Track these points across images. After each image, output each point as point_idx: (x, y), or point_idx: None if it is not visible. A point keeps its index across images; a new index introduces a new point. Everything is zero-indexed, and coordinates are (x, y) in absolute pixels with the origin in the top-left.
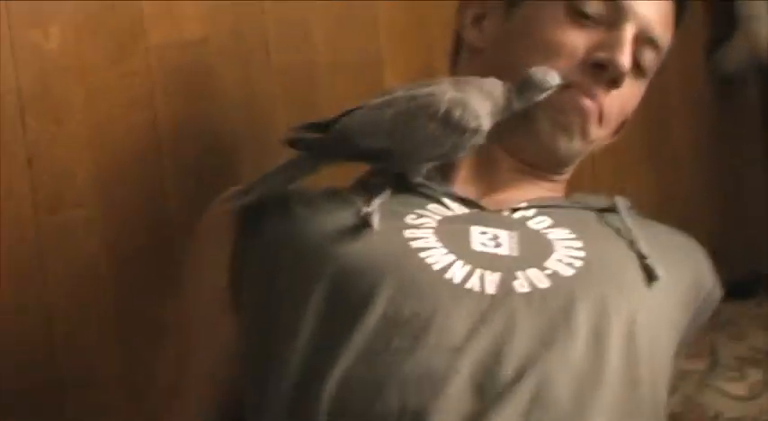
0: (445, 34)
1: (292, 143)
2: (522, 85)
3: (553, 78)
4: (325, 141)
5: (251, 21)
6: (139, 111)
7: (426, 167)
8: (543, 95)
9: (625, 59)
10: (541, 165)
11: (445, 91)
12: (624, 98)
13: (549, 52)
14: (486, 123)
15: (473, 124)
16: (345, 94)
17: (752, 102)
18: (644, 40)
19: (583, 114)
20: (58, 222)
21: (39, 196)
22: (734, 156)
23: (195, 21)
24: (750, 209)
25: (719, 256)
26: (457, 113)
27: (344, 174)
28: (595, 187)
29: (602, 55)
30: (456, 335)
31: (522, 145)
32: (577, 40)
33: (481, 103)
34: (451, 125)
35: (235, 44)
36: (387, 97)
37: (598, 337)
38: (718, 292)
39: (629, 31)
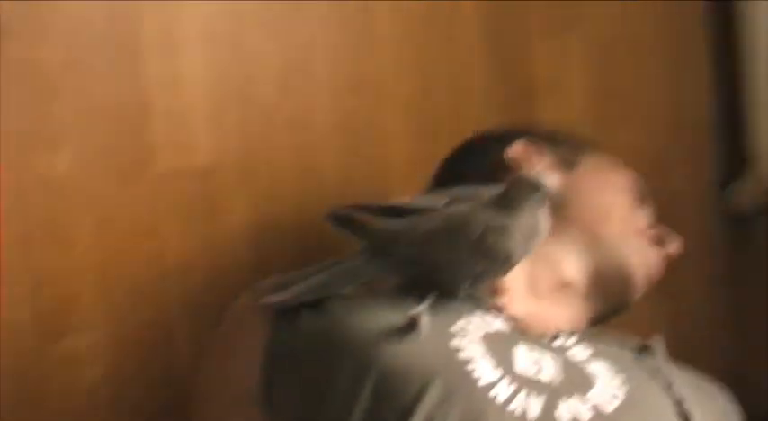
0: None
1: (338, 219)
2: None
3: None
4: (371, 234)
5: (261, 150)
6: (146, 239)
7: (463, 286)
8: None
9: None
10: (605, 315)
11: (485, 210)
12: None
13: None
14: (519, 255)
15: (503, 255)
16: None
17: (764, 241)
18: None
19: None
20: (60, 351)
21: (42, 324)
22: (745, 294)
23: (204, 148)
24: (758, 349)
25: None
26: (490, 241)
27: None
28: (609, 323)
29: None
30: None
31: (611, 292)
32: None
33: (520, 228)
34: (482, 251)
35: (244, 173)
36: (421, 204)
37: None
38: None
39: None
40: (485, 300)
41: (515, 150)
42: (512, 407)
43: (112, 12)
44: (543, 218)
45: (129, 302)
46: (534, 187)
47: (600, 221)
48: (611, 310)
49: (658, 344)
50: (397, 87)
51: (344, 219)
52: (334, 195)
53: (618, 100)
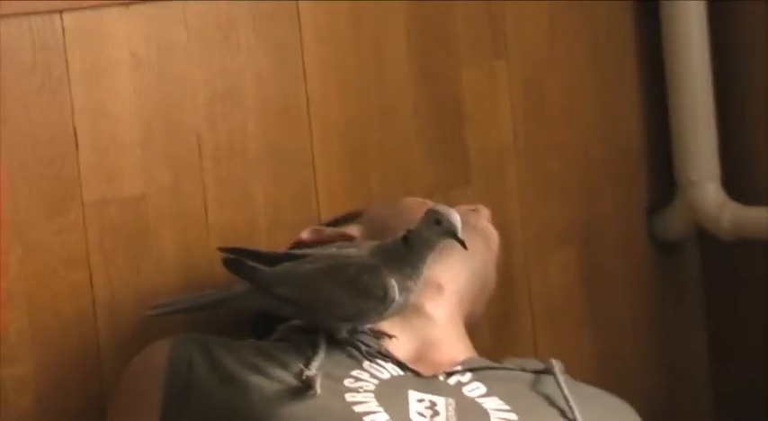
0: (383, 193)
1: (230, 263)
2: (419, 223)
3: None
4: (256, 276)
5: (190, 178)
6: (75, 269)
7: (347, 328)
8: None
9: None
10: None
11: (360, 255)
12: None
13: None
14: (394, 292)
15: (379, 292)
16: None
17: (692, 268)
18: None
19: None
20: None
21: None
22: (675, 321)
23: (133, 177)
24: (691, 375)
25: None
26: (364, 279)
27: None
28: (535, 350)
29: None
30: None
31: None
32: None
33: (394, 269)
34: (358, 291)
35: (172, 201)
36: (317, 252)
37: None
38: None
39: None
40: (371, 345)
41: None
42: None
43: (37, 41)
44: (425, 257)
45: (57, 333)
46: (436, 220)
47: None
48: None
49: (557, 365)
50: (326, 114)
51: (235, 264)
52: (264, 222)
53: (546, 126)
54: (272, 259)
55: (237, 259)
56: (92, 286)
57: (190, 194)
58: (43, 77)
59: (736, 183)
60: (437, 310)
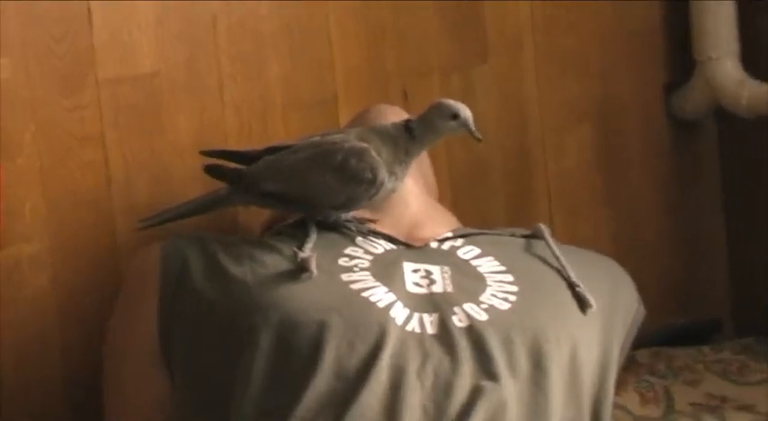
0: (400, 72)
1: (211, 170)
2: (428, 113)
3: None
4: (238, 178)
5: (204, 55)
6: (90, 145)
7: (336, 214)
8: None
9: None
10: None
11: (347, 140)
12: None
13: None
14: (383, 174)
15: (368, 175)
16: (299, 132)
17: (710, 145)
18: None
19: None
20: (4, 260)
21: None
22: (692, 200)
23: (147, 54)
24: (708, 253)
25: (676, 301)
26: (352, 163)
27: None
28: (551, 230)
29: None
30: (405, 374)
31: None
32: None
33: (384, 152)
34: (347, 176)
35: (187, 78)
36: (300, 142)
37: (540, 369)
38: (642, 312)
39: None
40: (360, 225)
41: None
42: (410, 327)
43: None
44: (426, 146)
45: (72, 210)
46: (453, 114)
47: None
48: None
49: (545, 230)
50: None
51: (217, 169)
52: (280, 100)
53: (564, 4)
54: (253, 157)
55: (217, 164)
56: (106, 164)
57: (204, 72)
58: None
59: (756, 61)
60: (411, 192)
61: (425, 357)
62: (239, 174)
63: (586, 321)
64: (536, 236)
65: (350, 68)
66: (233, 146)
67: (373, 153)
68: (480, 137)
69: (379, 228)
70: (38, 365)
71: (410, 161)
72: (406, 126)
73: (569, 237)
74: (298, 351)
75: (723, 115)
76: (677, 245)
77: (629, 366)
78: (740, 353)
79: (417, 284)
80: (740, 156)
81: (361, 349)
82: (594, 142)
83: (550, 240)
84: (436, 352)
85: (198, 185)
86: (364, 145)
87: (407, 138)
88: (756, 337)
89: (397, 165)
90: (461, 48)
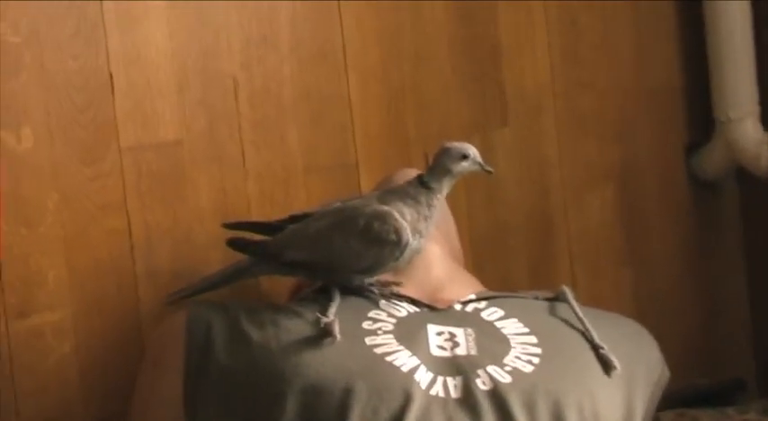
0: (420, 136)
1: (234, 243)
2: (437, 160)
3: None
4: (262, 249)
5: (225, 122)
6: (112, 214)
7: (360, 279)
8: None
9: None
10: None
11: (368, 204)
12: None
13: None
14: (407, 235)
15: (393, 237)
16: (321, 197)
17: (731, 206)
18: None
19: None
20: (28, 328)
21: (9, 301)
22: (714, 260)
23: (169, 122)
24: (731, 314)
25: (699, 362)
26: (375, 227)
27: None
28: (574, 291)
29: None
30: None
31: None
32: None
33: (406, 212)
34: (371, 239)
35: (209, 145)
36: (321, 210)
37: None
38: (667, 374)
39: None
40: (383, 289)
41: None
42: (434, 391)
43: None
44: (444, 191)
45: (95, 278)
46: (463, 155)
47: None
48: None
49: (568, 292)
50: (362, 56)
51: (241, 243)
52: (301, 166)
53: (584, 64)
54: (275, 228)
55: (240, 237)
56: (129, 232)
57: (226, 139)
58: (78, 22)
59: None
60: (435, 254)
61: None
62: (263, 245)
63: (610, 383)
64: (559, 298)
65: (370, 133)
66: (255, 212)
67: (396, 215)
68: (491, 169)
69: (402, 290)
70: None
71: (432, 215)
72: (420, 180)
73: (591, 298)
74: (323, 417)
75: (744, 176)
76: (700, 305)
77: None
78: (765, 413)
79: (441, 347)
80: (761, 217)
81: (386, 414)
82: (615, 203)
83: (574, 303)
84: (459, 416)
85: (220, 252)
86: (386, 208)
87: (425, 192)
88: None
89: (421, 222)
90: (481, 110)
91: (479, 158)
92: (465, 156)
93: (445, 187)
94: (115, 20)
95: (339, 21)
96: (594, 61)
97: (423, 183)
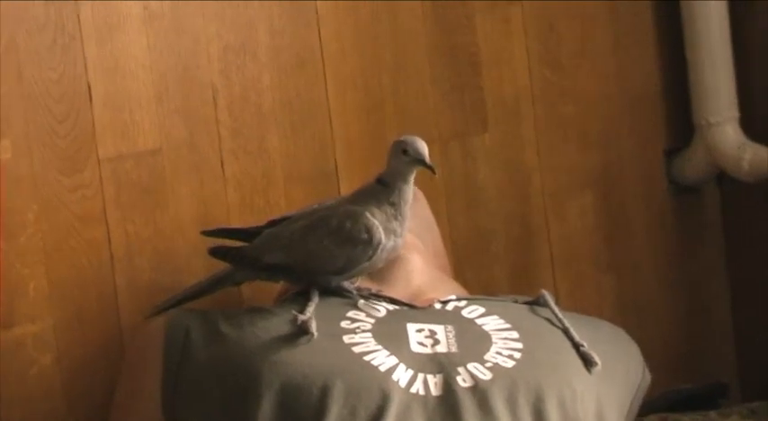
0: None
1: (215, 252)
2: (388, 156)
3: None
4: (240, 257)
5: (205, 130)
6: (92, 225)
7: (337, 281)
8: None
9: None
10: None
11: (341, 204)
12: None
13: None
14: (379, 234)
15: (364, 236)
16: (301, 204)
17: (712, 211)
18: None
19: None
20: (10, 339)
21: None
22: (696, 264)
23: (148, 131)
24: (713, 318)
25: (682, 366)
26: (347, 226)
27: None
28: (555, 298)
29: None
30: None
31: None
32: None
33: (376, 212)
34: (343, 238)
35: (188, 154)
36: (297, 213)
37: None
38: (648, 377)
39: None
40: (361, 289)
41: None
42: (414, 389)
43: None
44: (402, 191)
45: (75, 289)
46: (402, 150)
47: None
48: None
49: (548, 297)
50: (341, 65)
51: (221, 251)
52: (281, 174)
53: (563, 71)
54: (254, 233)
55: (220, 246)
56: (109, 242)
57: (205, 148)
58: (55, 33)
59: (756, 124)
60: (416, 264)
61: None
62: (241, 253)
63: (589, 380)
64: (539, 303)
65: (350, 140)
66: (235, 220)
67: (368, 214)
68: (433, 167)
69: (382, 291)
70: None
71: (401, 212)
72: (377, 179)
73: (573, 304)
74: (301, 417)
75: (725, 179)
76: (682, 309)
77: None
78: (748, 417)
79: (421, 344)
80: (743, 220)
81: (364, 415)
82: (596, 208)
83: (554, 307)
84: (440, 414)
85: (201, 261)
86: (358, 208)
87: (384, 190)
88: (763, 402)
89: (393, 221)
90: (461, 117)
91: (421, 155)
92: (404, 151)
93: (400, 183)
94: (93, 30)
95: (317, 29)
96: (573, 67)
97: (379, 181)
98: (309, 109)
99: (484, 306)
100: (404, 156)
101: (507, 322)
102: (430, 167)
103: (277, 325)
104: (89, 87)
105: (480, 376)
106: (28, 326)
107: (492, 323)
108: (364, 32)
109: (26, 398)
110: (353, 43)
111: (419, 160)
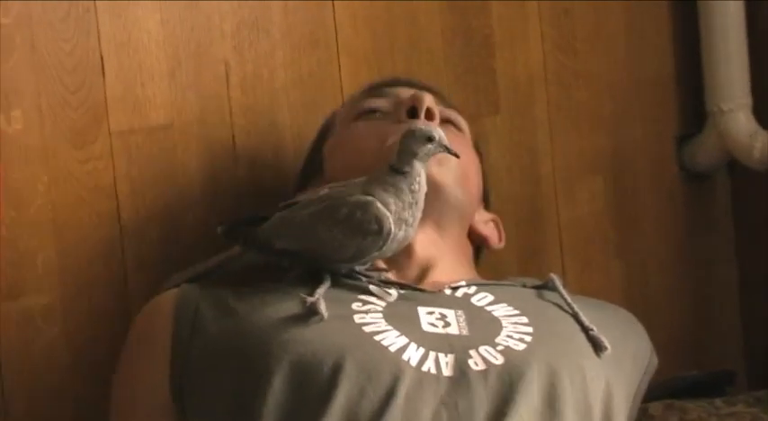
0: None
1: (227, 233)
2: (403, 144)
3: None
4: (252, 239)
5: (217, 107)
6: (102, 197)
7: (346, 268)
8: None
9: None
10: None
11: (352, 193)
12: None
13: (349, 150)
14: (389, 225)
15: (374, 227)
16: None
17: (723, 198)
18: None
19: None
20: (17, 311)
21: None
22: (704, 251)
23: (160, 106)
24: (721, 305)
25: (689, 353)
26: (357, 216)
27: None
28: (564, 281)
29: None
30: (420, 418)
31: None
32: (368, 130)
33: (390, 201)
34: (353, 228)
35: (200, 130)
36: (307, 197)
37: (554, 410)
38: (655, 361)
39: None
40: (373, 273)
41: None
42: (425, 367)
43: None
44: (420, 175)
45: (84, 262)
46: (428, 137)
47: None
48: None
49: (557, 280)
50: (355, 43)
51: (232, 233)
52: (292, 152)
53: (576, 55)
54: (265, 218)
55: (232, 228)
56: (119, 215)
57: (217, 124)
58: (70, 4)
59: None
60: (424, 244)
61: (441, 402)
62: (253, 234)
63: (602, 362)
64: (548, 286)
65: None
66: (245, 198)
67: (378, 204)
68: (457, 153)
69: (391, 277)
70: (51, 417)
71: (417, 200)
72: (391, 167)
73: (582, 288)
74: (309, 394)
75: (736, 167)
76: (690, 296)
77: (642, 419)
78: (754, 405)
79: (433, 325)
80: (753, 208)
81: (373, 395)
82: (606, 193)
83: (563, 290)
84: (452, 396)
85: (209, 236)
86: (369, 198)
87: (403, 179)
88: None
89: (407, 210)
90: (473, 99)
91: (445, 141)
92: (430, 139)
93: (417, 170)
94: (107, 2)
95: (332, 6)
96: (587, 51)
97: (395, 169)
98: (322, 87)
99: (493, 293)
100: (429, 143)
101: (516, 309)
102: (455, 155)
103: (287, 304)
104: (102, 60)
105: (492, 360)
106: (35, 298)
107: (501, 309)
108: (379, 11)
109: (33, 371)
110: (367, 22)
111: (445, 146)
